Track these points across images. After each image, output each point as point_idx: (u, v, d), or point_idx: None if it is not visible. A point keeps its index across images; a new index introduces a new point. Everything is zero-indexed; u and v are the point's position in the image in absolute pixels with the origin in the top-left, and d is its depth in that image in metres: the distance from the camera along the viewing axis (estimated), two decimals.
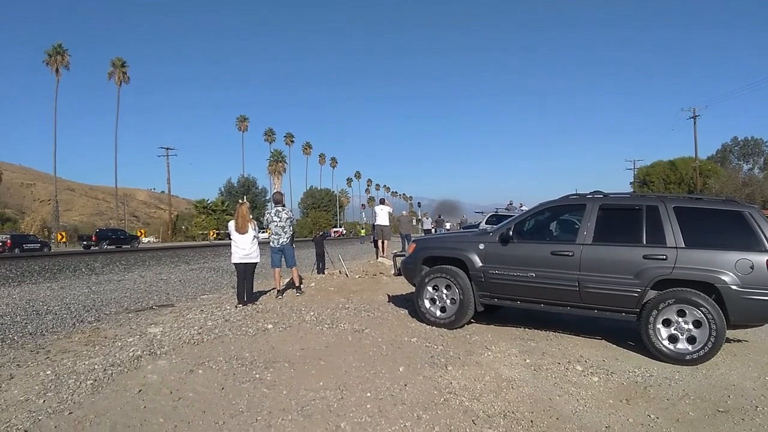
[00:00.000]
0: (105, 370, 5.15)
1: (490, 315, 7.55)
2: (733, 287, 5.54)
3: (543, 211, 7.10)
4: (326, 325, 7.01)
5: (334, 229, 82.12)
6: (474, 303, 6.93)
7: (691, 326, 5.70)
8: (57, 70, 57.93)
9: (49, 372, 5.24)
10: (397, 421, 4.10)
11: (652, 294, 5.90)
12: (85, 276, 16.78)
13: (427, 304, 7.22)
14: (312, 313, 7.82)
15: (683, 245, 5.84)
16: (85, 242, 45.72)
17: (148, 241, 62.15)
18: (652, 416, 4.34)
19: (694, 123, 48.70)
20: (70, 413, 4.08)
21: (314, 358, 5.57)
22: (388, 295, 9.44)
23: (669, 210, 6.07)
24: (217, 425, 3.96)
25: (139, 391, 4.56)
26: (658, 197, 6.47)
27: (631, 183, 63.03)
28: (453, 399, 4.55)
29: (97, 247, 42.72)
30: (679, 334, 5.75)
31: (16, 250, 37.00)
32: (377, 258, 16.59)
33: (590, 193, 6.79)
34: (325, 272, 13.76)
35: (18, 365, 5.70)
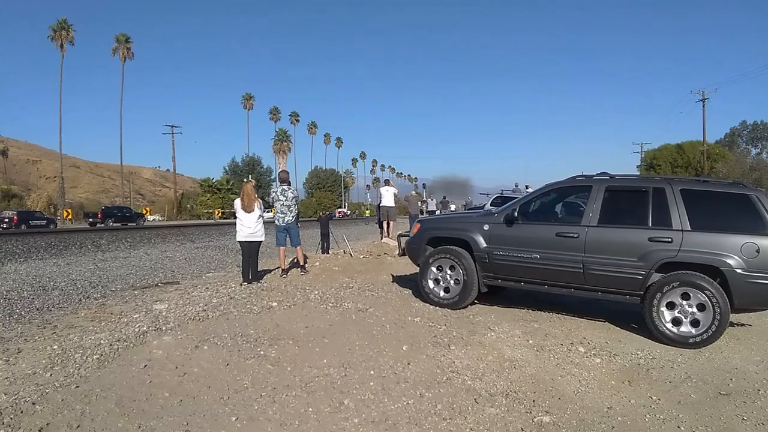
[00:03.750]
0: (111, 345, 5.20)
1: (494, 296, 7.56)
2: (738, 271, 5.53)
3: (548, 193, 7.07)
4: (330, 304, 7.05)
5: (339, 210, 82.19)
6: (478, 284, 6.94)
7: (695, 309, 5.70)
8: (62, 46, 57.64)
9: (56, 347, 5.29)
10: (400, 398, 4.14)
11: (656, 277, 5.89)
12: (91, 253, 16.88)
13: (431, 284, 7.24)
14: (316, 292, 7.86)
15: (689, 228, 5.82)
16: (90, 219, 45.90)
17: (154, 219, 62.37)
18: (654, 398, 4.36)
19: (703, 106, 48.30)
20: (77, 387, 4.12)
21: (318, 336, 5.61)
22: (392, 276, 9.47)
23: (675, 192, 6.03)
24: (222, 400, 4.00)
25: (145, 366, 4.61)
26: (664, 179, 6.43)
27: (637, 166, 62.67)
28: (456, 378, 4.59)
29: (102, 225, 42.85)
30: (683, 317, 5.75)
31: (23, 227, 37.15)
32: (382, 239, 16.60)
33: (597, 175, 6.76)
34: (330, 252, 13.79)
35: (25, 340, 5.76)
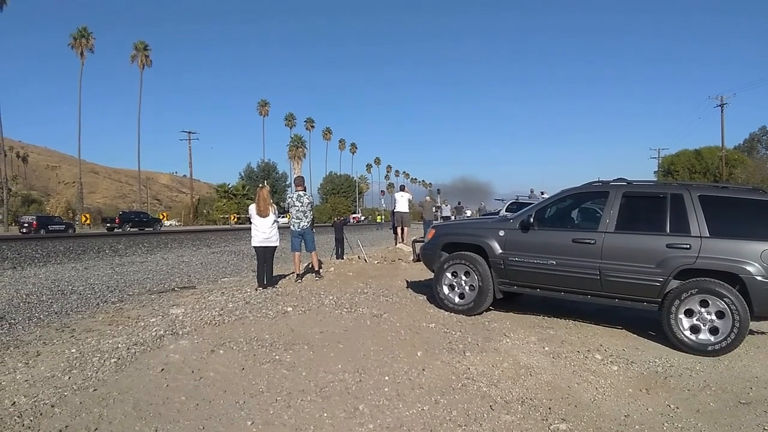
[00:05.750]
0: (128, 349, 5.25)
1: (510, 302, 7.52)
2: (758, 278, 5.44)
3: (565, 198, 7.03)
4: (345, 309, 7.06)
5: (353, 216, 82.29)
6: (493, 290, 6.90)
7: (713, 317, 5.62)
8: (81, 53, 58.59)
9: (74, 350, 5.36)
10: (415, 404, 4.13)
11: (674, 284, 5.82)
12: (109, 257, 17.07)
13: (445, 290, 7.22)
14: (331, 297, 7.87)
15: (708, 234, 5.75)
16: (108, 224, 46.46)
17: (170, 224, 63.06)
18: (672, 406, 4.31)
19: (722, 111, 47.74)
20: (95, 390, 4.17)
21: (333, 341, 5.62)
22: (407, 281, 9.46)
23: (694, 198, 5.96)
24: (238, 404, 4.02)
25: (162, 369, 4.65)
26: (682, 185, 6.36)
27: (655, 172, 62.09)
28: (471, 384, 4.57)
29: (120, 229, 43.37)
30: (702, 325, 5.68)
31: (42, 231, 37.75)
32: (396, 244, 16.59)
33: (613, 181, 6.71)
34: (344, 257, 13.82)
35: (44, 343, 5.84)
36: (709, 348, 5.59)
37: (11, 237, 29.54)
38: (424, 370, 4.85)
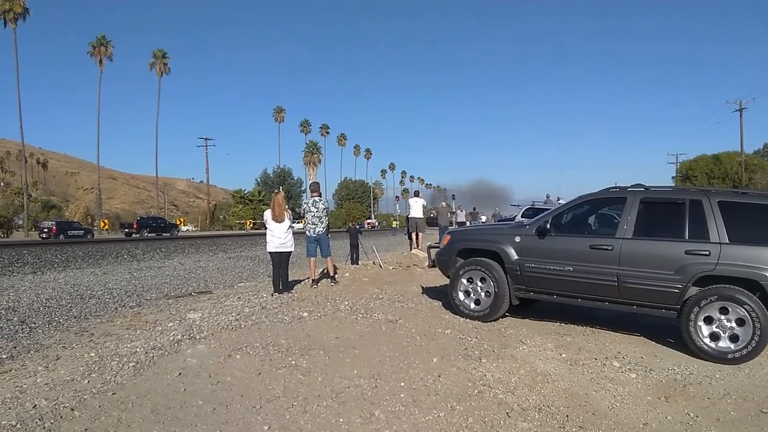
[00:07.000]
0: (146, 353, 5.31)
1: (526, 309, 7.47)
2: None
3: (582, 204, 6.99)
4: (360, 315, 7.07)
5: (368, 221, 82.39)
6: (509, 296, 6.87)
7: (733, 324, 5.53)
8: (100, 61, 59.50)
9: (93, 354, 5.43)
10: (431, 411, 4.12)
11: (693, 290, 5.75)
12: (127, 262, 17.25)
13: (461, 296, 7.20)
14: (346, 303, 7.89)
15: (727, 241, 5.67)
16: (126, 230, 47.01)
17: (187, 230, 63.57)
18: (691, 414, 4.25)
19: (740, 116, 47.28)
20: (114, 394, 4.22)
21: (348, 347, 5.63)
22: (422, 287, 9.45)
23: (713, 204, 5.88)
24: (254, 409, 4.04)
25: (179, 374, 4.69)
26: (701, 191, 6.29)
27: (673, 177, 61.45)
28: (487, 391, 4.54)
29: (138, 235, 43.81)
30: (721, 332, 5.59)
31: (61, 236, 38.24)
32: (411, 250, 16.59)
33: (631, 186, 6.65)
34: (359, 263, 13.83)
35: (64, 347, 5.92)
36: (729, 356, 5.50)
37: (31, 242, 30.00)
38: (440, 376, 4.83)
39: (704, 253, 5.70)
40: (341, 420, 3.93)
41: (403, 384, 4.63)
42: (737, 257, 5.58)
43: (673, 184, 49.73)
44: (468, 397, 4.41)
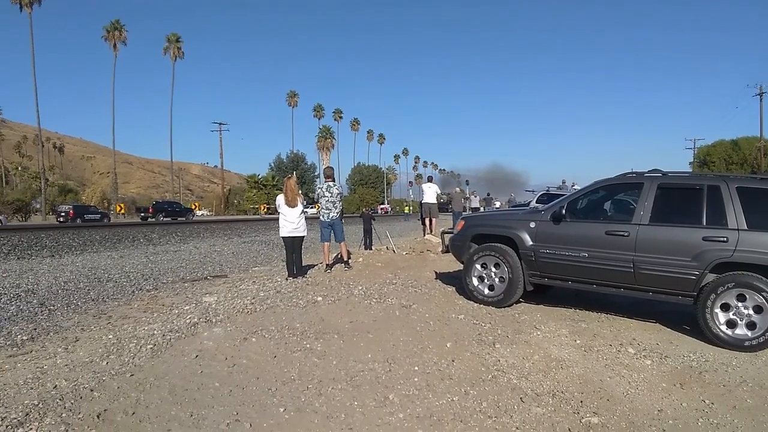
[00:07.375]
0: (164, 335, 5.37)
1: (540, 295, 7.45)
2: None
3: (597, 190, 6.92)
4: (374, 300, 7.09)
5: (381, 206, 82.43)
6: (523, 282, 6.85)
7: (751, 311, 5.48)
8: (115, 46, 59.79)
9: (111, 336, 5.51)
10: (445, 395, 4.14)
11: (710, 277, 5.69)
12: (143, 246, 17.46)
13: (475, 281, 7.19)
14: (360, 288, 7.92)
15: (745, 227, 5.59)
16: (142, 214, 47.50)
17: (202, 214, 64.10)
18: (706, 401, 4.23)
19: (760, 100, 46.42)
20: (132, 375, 4.28)
21: (363, 331, 5.66)
22: (436, 272, 9.45)
23: (731, 190, 5.80)
24: (270, 391, 4.08)
25: (196, 356, 4.75)
26: (719, 176, 6.20)
27: (690, 163, 60.69)
28: (501, 376, 4.55)
29: (153, 219, 44.22)
30: (738, 320, 5.54)
31: (78, 221, 38.69)
32: (424, 235, 16.59)
33: (648, 172, 6.57)
34: (373, 248, 13.87)
35: (82, 329, 6.02)
36: (746, 343, 5.45)
37: (49, 226, 30.39)
38: (453, 361, 4.85)
39: (722, 239, 5.63)
40: (356, 403, 3.96)
41: (416, 368, 4.65)
42: (756, 244, 5.50)
43: (691, 170, 49.09)
44: (482, 381, 4.43)
